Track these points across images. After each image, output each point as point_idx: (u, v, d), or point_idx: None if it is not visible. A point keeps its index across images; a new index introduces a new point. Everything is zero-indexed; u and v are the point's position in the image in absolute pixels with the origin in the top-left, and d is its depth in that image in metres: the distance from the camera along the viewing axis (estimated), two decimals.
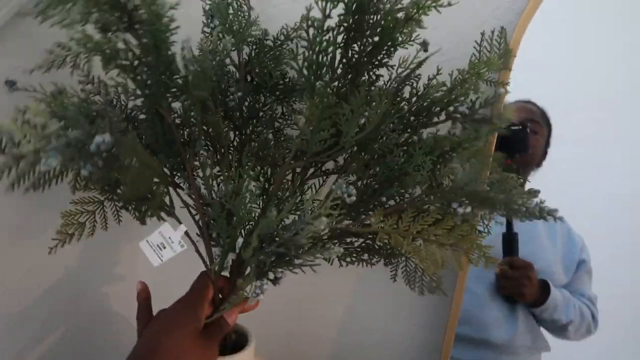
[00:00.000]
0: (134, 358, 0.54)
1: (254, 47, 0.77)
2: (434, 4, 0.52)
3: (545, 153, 1.06)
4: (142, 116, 0.65)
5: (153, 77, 0.56)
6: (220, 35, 0.69)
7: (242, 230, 0.64)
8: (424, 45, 0.61)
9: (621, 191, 1.09)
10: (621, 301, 1.17)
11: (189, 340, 0.56)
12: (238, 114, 0.71)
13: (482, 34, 0.68)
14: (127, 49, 0.54)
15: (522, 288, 1.06)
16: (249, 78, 0.75)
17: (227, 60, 0.71)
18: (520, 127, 0.96)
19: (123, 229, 0.74)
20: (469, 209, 0.59)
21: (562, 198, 0.99)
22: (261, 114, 0.74)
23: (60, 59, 0.56)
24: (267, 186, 0.70)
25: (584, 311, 1.12)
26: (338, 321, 0.94)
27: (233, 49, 0.72)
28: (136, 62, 0.55)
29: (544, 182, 1.00)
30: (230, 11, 0.73)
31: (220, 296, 0.63)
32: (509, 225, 1.01)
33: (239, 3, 0.75)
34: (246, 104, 0.74)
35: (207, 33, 0.73)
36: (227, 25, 0.70)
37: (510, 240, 1.02)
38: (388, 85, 0.65)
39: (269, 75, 0.75)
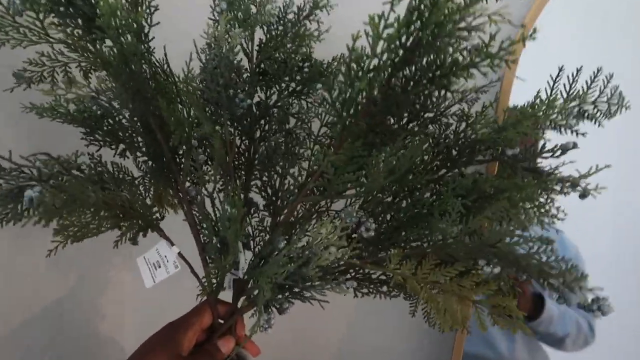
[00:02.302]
0: None
1: (271, 29, 0.66)
2: (506, 56, 0.42)
3: None
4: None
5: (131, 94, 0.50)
6: (229, 24, 0.58)
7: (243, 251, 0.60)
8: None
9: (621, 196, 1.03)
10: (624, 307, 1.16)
11: None
12: (247, 118, 0.62)
13: (561, 68, 0.56)
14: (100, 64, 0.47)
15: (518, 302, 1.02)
16: (261, 68, 0.65)
17: (239, 56, 0.61)
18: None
19: (110, 251, 0.68)
20: (497, 269, 0.53)
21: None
22: (274, 110, 0.66)
23: (37, 74, 0.49)
24: (274, 199, 0.64)
25: (580, 322, 1.11)
26: (341, 339, 0.93)
27: (244, 37, 0.61)
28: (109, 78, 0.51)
29: None
30: None
31: (221, 322, 0.60)
32: None
33: None
34: (256, 100, 0.65)
35: (214, 20, 0.61)
36: (236, 10, 0.59)
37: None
38: (427, 108, 0.56)
39: (284, 64, 0.65)
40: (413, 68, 0.48)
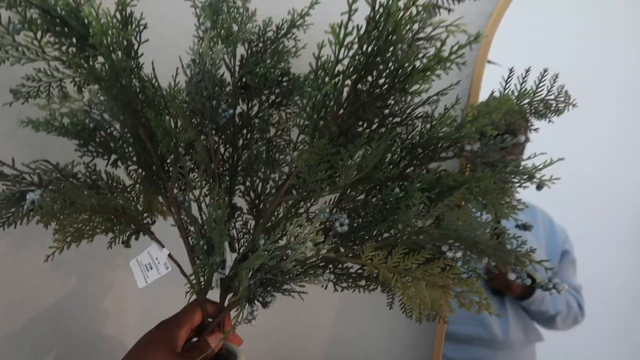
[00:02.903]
0: None
1: (252, 45, 0.72)
2: (456, 59, 0.48)
3: None
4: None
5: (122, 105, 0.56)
6: (213, 41, 0.63)
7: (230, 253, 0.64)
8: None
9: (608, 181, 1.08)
10: (615, 292, 1.21)
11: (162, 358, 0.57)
12: (230, 127, 0.67)
13: (511, 70, 0.62)
14: (93, 79, 0.53)
15: (509, 282, 1.08)
16: (243, 82, 0.71)
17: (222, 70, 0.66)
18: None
19: (111, 252, 0.72)
20: (459, 254, 0.58)
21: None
22: (255, 121, 0.71)
23: (34, 89, 0.53)
24: (256, 202, 0.68)
25: (570, 301, 1.16)
26: (326, 332, 0.96)
27: (226, 53, 0.67)
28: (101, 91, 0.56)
29: None
30: (224, 8, 0.67)
31: (210, 321, 0.64)
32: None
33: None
34: (239, 111, 0.70)
35: (199, 37, 0.67)
36: (219, 28, 0.65)
37: (497, 235, 1.03)
38: (394, 113, 0.62)
39: (265, 78, 0.71)
40: (375, 73, 0.54)
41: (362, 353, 0.96)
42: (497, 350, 1.13)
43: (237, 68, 0.71)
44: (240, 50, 0.72)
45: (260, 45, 0.72)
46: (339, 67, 0.51)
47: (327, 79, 0.51)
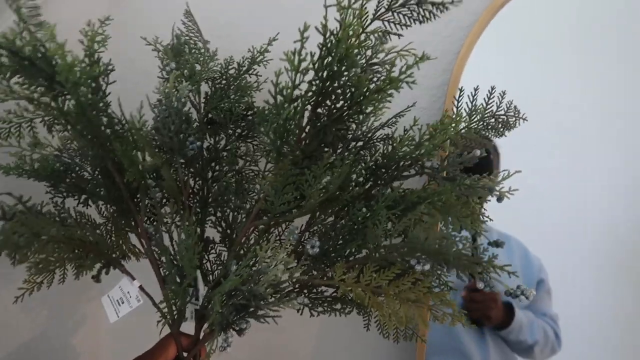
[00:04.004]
0: None
1: (215, 82, 0.74)
2: (406, 79, 0.51)
3: None
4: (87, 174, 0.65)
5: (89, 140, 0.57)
6: (177, 81, 0.66)
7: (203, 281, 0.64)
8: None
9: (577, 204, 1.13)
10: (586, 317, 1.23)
11: None
12: (199, 160, 0.69)
13: (461, 89, 0.66)
14: (60, 115, 0.54)
15: (488, 311, 1.09)
16: (209, 118, 0.73)
17: (188, 106, 0.69)
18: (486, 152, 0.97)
19: (84, 286, 0.72)
20: (427, 267, 0.59)
21: (518, 218, 1.03)
22: (223, 154, 0.73)
23: (5, 130, 0.55)
24: (228, 232, 0.69)
25: (547, 330, 1.17)
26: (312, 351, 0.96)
27: (191, 90, 0.70)
28: (69, 127, 0.57)
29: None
30: (186, 50, 0.70)
31: (185, 355, 0.63)
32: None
33: (193, 40, 0.72)
34: (206, 145, 0.72)
35: (164, 78, 0.70)
36: (182, 68, 0.68)
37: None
38: (356, 137, 0.65)
39: (230, 112, 0.73)
40: (333, 97, 0.56)
41: None
42: None
43: (202, 105, 0.74)
44: (205, 88, 0.75)
45: (224, 82, 0.75)
46: (297, 92, 0.54)
47: (286, 104, 0.53)
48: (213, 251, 0.72)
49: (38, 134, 0.67)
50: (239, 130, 0.74)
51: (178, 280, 0.61)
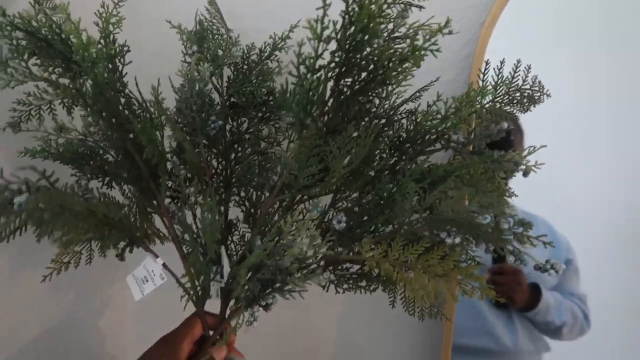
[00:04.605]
0: None
1: (237, 67, 0.75)
2: (431, 46, 0.51)
3: None
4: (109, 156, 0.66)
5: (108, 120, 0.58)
6: (199, 63, 0.66)
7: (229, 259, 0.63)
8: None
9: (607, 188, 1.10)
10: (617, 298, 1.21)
11: None
12: (222, 141, 0.69)
13: (487, 62, 0.65)
14: (78, 96, 0.55)
15: (513, 294, 1.08)
16: (231, 101, 0.73)
17: (209, 86, 0.69)
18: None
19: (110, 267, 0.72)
20: (457, 240, 0.58)
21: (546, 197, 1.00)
22: (246, 136, 0.73)
23: (26, 113, 0.56)
24: (252, 211, 0.69)
25: (575, 311, 1.15)
26: (331, 337, 0.95)
27: (213, 74, 0.70)
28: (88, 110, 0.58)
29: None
30: (209, 36, 0.71)
31: (211, 333, 0.63)
32: None
33: (216, 27, 0.72)
34: (229, 127, 0.72)
35: (187, 62, 0.70)
36: (205, 52, 0.68)
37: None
38: (379, 115, 0.64)
39: (252, 95, 0.73)
40: (356, 69, 0.56)
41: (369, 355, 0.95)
42: None
43: (224, 88, 0.74)
44: (227, 72, 0.75)
45: (245, 67, 0.76)
46: (321, 62, 0.54)
47: (309, 74, 0.53)
48: (237, 232, 0.71)
49: (58, 116, 0.67)
50: (260, 114, 0.74)
51: (201, 257, 0.61)
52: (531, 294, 1.11)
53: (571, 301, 1.15)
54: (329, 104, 0.58)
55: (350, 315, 0.94)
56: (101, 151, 0.68)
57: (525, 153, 0.63)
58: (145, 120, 0.59)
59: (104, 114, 0.59)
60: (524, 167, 0.63)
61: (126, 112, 0.61)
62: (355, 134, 0.58)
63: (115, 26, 0.62)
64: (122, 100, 0.60)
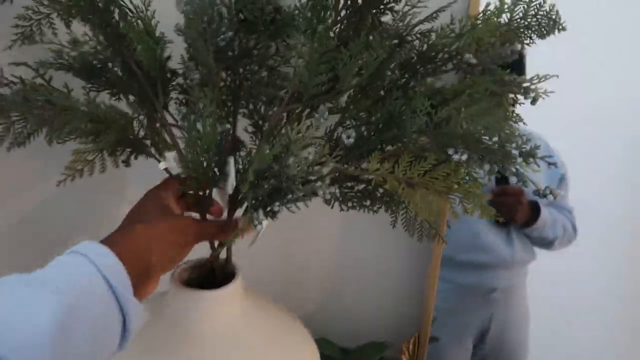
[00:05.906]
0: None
1: None
2: None
3: None
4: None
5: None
6: None
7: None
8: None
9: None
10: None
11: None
12: (230, 53, 0.68)
13: None
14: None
15: (515, 213, 1.12)
16: (240, 17, 0.72)
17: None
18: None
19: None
20: (464, 157, 0.58)
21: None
22: (255, 51, 0.72)
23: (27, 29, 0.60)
24: (261, 123, 0.69)
25: (566, 225, 1.22)
26: (327, 257, 0.97)
27: None
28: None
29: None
30: None
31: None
32: None
33: None
34: (238, 42, 0.71)
35: None
36: None
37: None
38: (392, 34, 0.63)
39: (261, 11, 0.71)
40: None
41: (363, 275, 0.98)
42: (499, 271, 1.18)
43: (233, 3, 0.72)
44: None
45: None
46: None
47: None
48: (244, 149, 0.71)
49: (57, 31, 0.67)
50: (270, 29, 0.73)
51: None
52: (531, 212, 1.16)
53: (562, 214, 1.21)
54: (341, 14, 0.57)
55: (349, 235, 0.97)
56: (110, 64, 0.67)
57: (535, 79, 0.63)
58: (139, 31, 0.58)
59: (99, 25, 0.58)
60: (533, 93, 0.63)
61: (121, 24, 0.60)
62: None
63: None
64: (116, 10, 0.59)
